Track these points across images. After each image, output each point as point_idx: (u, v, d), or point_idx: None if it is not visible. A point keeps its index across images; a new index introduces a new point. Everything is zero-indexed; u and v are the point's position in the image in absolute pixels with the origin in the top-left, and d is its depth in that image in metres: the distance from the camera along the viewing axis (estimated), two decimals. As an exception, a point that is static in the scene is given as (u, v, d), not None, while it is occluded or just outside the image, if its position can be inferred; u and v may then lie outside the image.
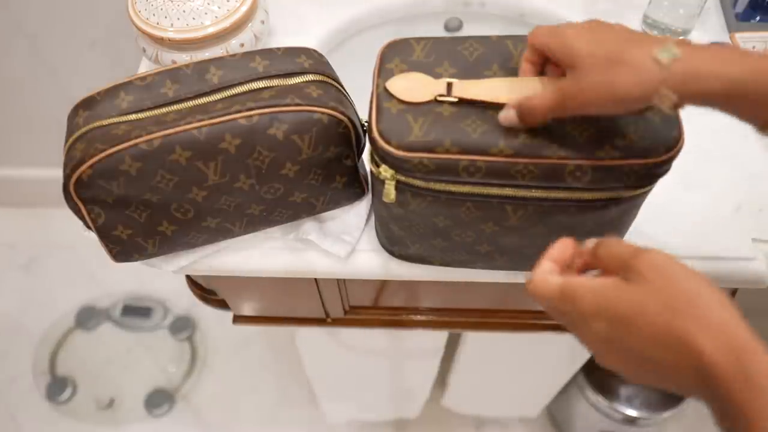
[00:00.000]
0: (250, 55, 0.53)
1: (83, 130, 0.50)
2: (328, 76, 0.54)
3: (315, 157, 0.52)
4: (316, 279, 0.70)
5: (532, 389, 1.31)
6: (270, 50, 0.54)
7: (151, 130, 0.48)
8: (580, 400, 1.33)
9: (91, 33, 1.26)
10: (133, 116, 0.50)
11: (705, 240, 0.61)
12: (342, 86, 0.56)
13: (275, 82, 0.52)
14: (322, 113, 0.50)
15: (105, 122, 0.50)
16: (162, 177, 0.49)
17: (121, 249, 0.54)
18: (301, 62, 0.53)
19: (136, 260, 0.57)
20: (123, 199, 0.50)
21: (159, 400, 1.51)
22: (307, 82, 0.53)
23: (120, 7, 0.75)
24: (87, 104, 0.51)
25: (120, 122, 0.50)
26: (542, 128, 0.44)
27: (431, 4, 0.81)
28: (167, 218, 0.53)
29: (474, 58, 0.48)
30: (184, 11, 0.63)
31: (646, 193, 0.48)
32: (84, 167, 0.48)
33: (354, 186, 0.58)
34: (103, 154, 0.47)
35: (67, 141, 0.51)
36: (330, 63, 0.57)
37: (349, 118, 0.52)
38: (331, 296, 0.76)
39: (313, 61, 0.54)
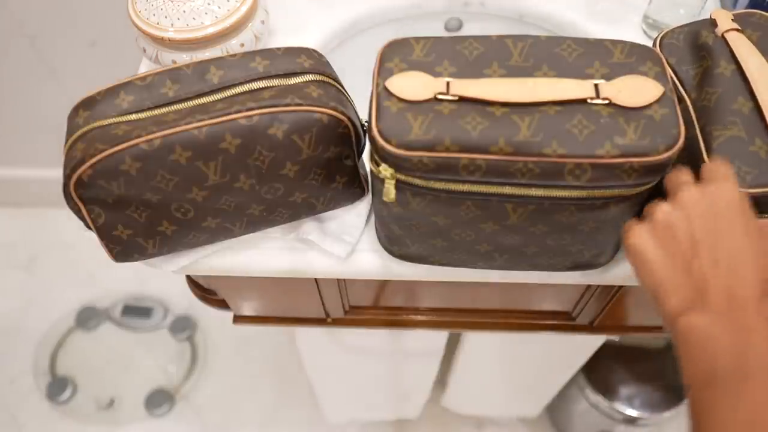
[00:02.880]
0: (250, 55, 0.53)
1: (83, 130, 0.50)
2: (329, 76, 0.54)
3: (315, 157, 0.52)
4: (316, 279, 0.70)
5: (532, 389, 1.31)
6: (270, 50, 0.54)
7: (151, 130, 0.48)
8: (580, 400, 1.33)
9: (91, 33, 1.26)
10: (133, 116, 0.50)
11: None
12: (342, 86, 0.56)
13: (275, 82, 0.52)
14: (322, 113, 0.50)
15: (105, 122, 0.50)
16: (162, 177, 0.49)
17: (121, 249, 0.54)
18: (301, 62, 0.54)
19: (136, 260, 0.57)
20: (123, 199, 0.50)
21: (159, 400, 1.51)
22: (307, 82, 0.53)
23: (120, 7, 0.75)
24: (87, 104, 0.51)
25: (120, 122, 0.50)
26: (541, 126, 0.44)
27: (431, 4, 0.81)
28: (167, 218, 0.53)
29: (474, 57, 0.48)
30: (184, 11, 0.63)
31: (646, 192, 0.48)
32: (84, 167, 0.48)
33: (354, 186, 0.58)
34: (103, 154, 0.47)
35: (67, 141, 0.51)
36: (330, 63, 0.57)
37: (349, 118, 0.52)
38: (331, 296, 0.76)
39: (313, 61, 0.54)
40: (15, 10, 1.22)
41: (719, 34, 0.52)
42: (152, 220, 0.53)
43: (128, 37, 0.75)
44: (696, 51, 0.53)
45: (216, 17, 0.63)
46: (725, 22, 0.52)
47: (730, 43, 0.51)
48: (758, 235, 0.41)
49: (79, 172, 0.48)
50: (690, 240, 0.40)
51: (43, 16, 1.23)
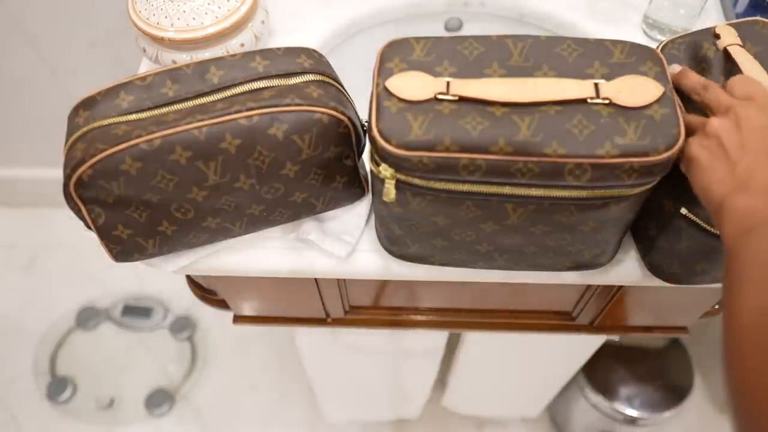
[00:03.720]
0: (250, 55, 0.53)
1: (83, 130, 0.50)
2: (329, 76, 0.54)
3: (315, 157, 0.52)
4: (316, 279, 0.70)
5: (532, 389, 1.31)
6: (270, 50, 0.54)
7: (151, 130, 0.48)
8: (580, 400, 1.33)
9: (91, 33, 1.26)
10: (133, 116, 0.50)
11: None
12: (342, 86, 0.56)
13: (275, 82, 0.52)
14: (323, 113, 0.50)
15: (105, 122, 0.50)
16: (162, 177, 0.49)
17: (122, 249, 0.54)
18: (301, 62, 0.54)
19: (137, 260, 0.57)
20: (123, 199, 0.50)
21: (159, 400, 1.51)
22: (307, 82, 0.53)
23: (120, 7, 0.75)
24: (87, 104, 0.51)
25: (120, 122, 0.50)
26: (541, 126, 0.44)
27: (431, 4, 0.81)
28: (167, 218, 0.53)
29: (474, 57, 0.48)
30: (184, 11, 0.63)
31: (646, 192, 0.48)
32: (84, 167, 0.48)
33: (354, 186, 0.58)
34: (103, 154, 0.47)
35: (67, 141, 0.51)
36: (330, 63, 0.57)
37: (350, 118, 0.52)
38: (331, 296, 0.76)
39: (313, 61, 0.54)
40: (15, 10, 1.22)
41: (720, 48, 0.52)
42: (152, 220, 0.53)
43: (128, 37, 0.76)
44: (696, 63, 0.53)
45: (216, 17, 0.63)
46: (729, 37, 0.52)
47: (733, 56, 0.51)
48: None
49: (79, 172, 0.48)
50: (738, 147, 0.43)
51: (43, 16, 1.23)
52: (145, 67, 0.73)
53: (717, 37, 0.53)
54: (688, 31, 0.55)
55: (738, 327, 0.37)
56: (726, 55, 0.51)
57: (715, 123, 0.44)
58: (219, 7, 0.63)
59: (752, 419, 0.34)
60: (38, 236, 1.74)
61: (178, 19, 0.62)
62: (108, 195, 0.50)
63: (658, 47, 0.54)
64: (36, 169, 1.65)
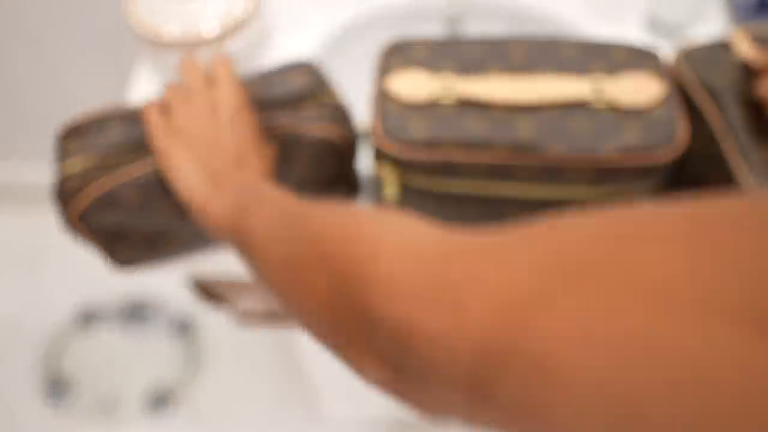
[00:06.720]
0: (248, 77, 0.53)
1: (78, 160, 0.49)
2: (325, 91, 0.54)
3: (312, 174, 0.52)
4: (316, 279, 0.69)
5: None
6: (265, 70, 0.53)
7: (148, 160, 0.48)
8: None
9: (91, 33, 1.26)
10: (126, 147, 0.49)
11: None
12: (340, 99, 0.55)
13: (272, 102, 0.51)
14: (320, 131, 0.49)
15: (100, 153, 0.49)
16: (160, 206, 0.49)
17: (123, 261, 0.54)
18: (295, 80, 0.53)
19: (137, 269, 0.56)
20: (123, 228, 0.50)
21: (159, 400, 1.51)
22: (303, 100, 0.52)
23: (120, 7, 0.75)
24: (77, 132, 0.50)
25: (114, 153, 0.49)
26: (541, 126, 0.44)
27: (431, 4, 0.81)
28: (168, 242, 0.53)
29: (474, 57, 0.48)
30: (183, 12, 0.63)
31: (647, 192, 0.48)
32: (82, 198, 0.47)
33: (354, 190, 0.57)
34: (101, 186, 0.47)
35: (59, 169, 0.49)
36: (329, 68, 0.56)
37: (347, 134, 0.51)
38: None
39: (308, 78, 0.53)
40: (15, 9, 1.22)
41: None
42: (153, 244, 0.53)
43: (128, 37, 0.76)
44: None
45: (216, 17, 0.63)
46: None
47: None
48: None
49: (77, 203, 0.47)
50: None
51: (43, 16, 1.23)
52: (144, 68, 0.73)
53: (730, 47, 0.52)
54: (686, 28, 0.54)
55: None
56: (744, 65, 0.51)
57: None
58: (219, 8, 0.63)
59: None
60: (38, 236, 1.74)
61: (178, 19, 0.62)
62: (107, 225, 0.49)
63: (679, 53, 0.54)
64: (36, 169, 1.65)
